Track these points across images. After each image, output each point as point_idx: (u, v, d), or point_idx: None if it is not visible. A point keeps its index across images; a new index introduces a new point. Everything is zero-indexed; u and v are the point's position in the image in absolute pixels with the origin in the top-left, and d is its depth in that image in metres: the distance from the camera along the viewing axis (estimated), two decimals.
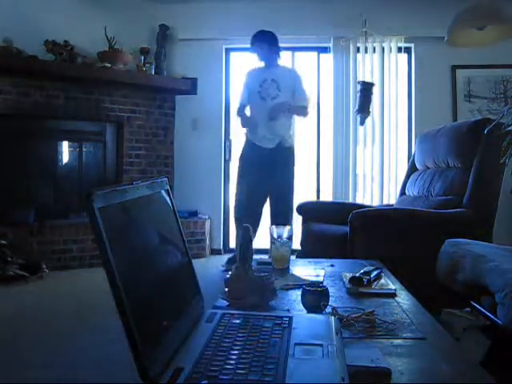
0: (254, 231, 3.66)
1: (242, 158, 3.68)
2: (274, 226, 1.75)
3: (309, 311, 1.14)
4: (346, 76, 4.46)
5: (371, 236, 2.49)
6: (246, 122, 3.63)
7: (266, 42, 3.59)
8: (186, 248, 1.03)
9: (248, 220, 3.52)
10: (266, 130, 3.53)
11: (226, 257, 3.91)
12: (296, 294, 1.31)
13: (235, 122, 3.82)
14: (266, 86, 3.57)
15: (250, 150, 3.63)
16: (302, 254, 3.13)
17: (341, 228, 2.78)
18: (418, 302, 1.27)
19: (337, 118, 4.46)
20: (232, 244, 4.54)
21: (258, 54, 3.63)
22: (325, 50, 4.53)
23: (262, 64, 3.68)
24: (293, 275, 1.56)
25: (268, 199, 3.65)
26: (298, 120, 4.06)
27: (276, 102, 3.53)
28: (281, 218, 3.46)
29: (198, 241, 4.30)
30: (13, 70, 3.63)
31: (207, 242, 4.40)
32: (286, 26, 4.36)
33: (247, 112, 3.68)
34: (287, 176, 3.62)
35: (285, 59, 4.64)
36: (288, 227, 1.74)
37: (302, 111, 3.65)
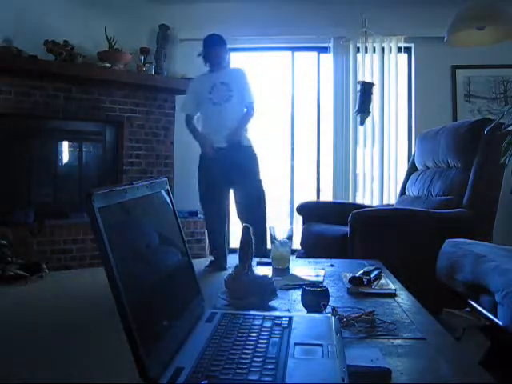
0: (224, 231, 3.68)
1: (202, 167, 3.62)
2: (273, 226, 1.75)
3: (309, 311, 1.14)
4: (346, 76, 4.46)
5: (371, 236, 2.49)
6: (201, 140, 3.57)
7: (218, 46, 3.54)
8: (186, 248, 1.03)
9: (215, 220, 3.58)
10: (221, 135, 3.46)
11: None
12: (296, 294, 1.31)
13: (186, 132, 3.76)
14: (215, 91, 3.51)
15: (206, 156, 3.56)
16: (302, 254, 3.13)
17: (341, 228, 2.78)
18: (418, 302, 1.26)
19: (337, 118, 4.46)
20: (232, 244, 4.53)
21: (208, 58, 3.57)
22: (325, 49, 4.53)
23: (205, 70, 3.64)
24: (293, 275, 1.56)
25: (234, 201, 3.63)
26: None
27: (231, 103, 3.47)
28: (247, 209, 3.44)
29: (197, 241, 4.30)
30: (13, 70, 3.63)
31: (207, 241, 4.40)
32: (286, 26, 4.37)
33: (196, 123, 3.66)
34: (250, 173, 3.52)
35: (284, 60, 4.66)
36: (288, 227, 1.74)
37: (250, 115, 3.57)
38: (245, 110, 3.58)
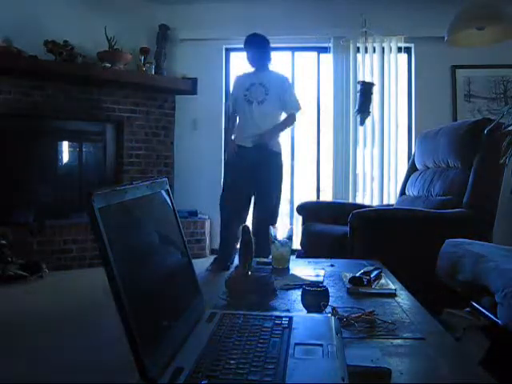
0: (238, 231, 3.65)
1: (227, 163, 3.66)
2: (273, 226, 1.75)
3: (309, 311, 1.14)
4: (346, 76, 4.46)
5: (371, 236, 2.49)
6: (227, 146, 3.64)
7: (259, 47, 3.54)
8: (186, 248, 1.03)
9: (233, 223, 3.51)
10: (251, 134, 3.45)
11: None
12: (296, 294, 1.31)
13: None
14: (253, 90, 3.51)
15: (234, 153, 3.56)
16: (302, 254, 3.13)
17: (341, 228, 2.78)
18: (418, 302, 1.27)
19: (337, 118, 4.46)
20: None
21: (249, 58, 3.58)
22: (325, 49, 4.53)
23: (251, 69, 3.63)
24: (293, 275, 1.56)
25: (252, 201, 3.59)
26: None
27: (263, 106, 3.46)
28: (262, 222, 3.31)
29: (197, 241, 4.30)
30: (13, 69, 3.63)
31: (207, 241, 4.40)
32: (286, 25, 4.36)
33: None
34: (272, 180, 3.50)
35: (284, 60, 4.66)
36: (288, 227, 1.74)
37: (290, 122, 3.59)
38: (282, 116, 3.57)
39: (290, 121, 3.59)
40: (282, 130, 3.57)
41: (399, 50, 4.43)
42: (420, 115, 4.42)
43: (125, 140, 4.26)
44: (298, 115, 3.62)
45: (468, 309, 1.77)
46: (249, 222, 3.54)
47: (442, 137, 3.06)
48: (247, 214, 3.59)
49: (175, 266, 0.98)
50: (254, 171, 3.43)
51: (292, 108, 3.56)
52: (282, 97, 3.53)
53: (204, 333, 0.86)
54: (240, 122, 3.61)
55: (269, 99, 3.49)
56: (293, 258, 1.76)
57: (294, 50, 4.65)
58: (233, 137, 3.64)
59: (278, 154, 3.54)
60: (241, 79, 3.67)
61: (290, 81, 3.68)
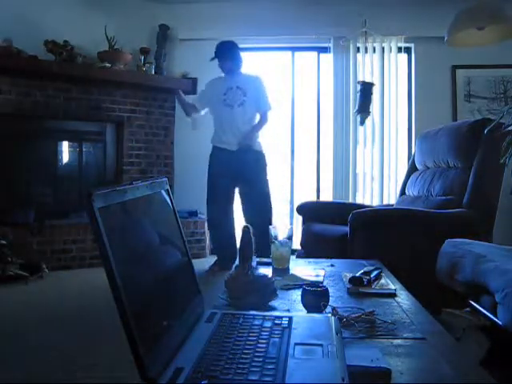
0: (233, 231, 3.69)
1: (210, 167, 3.67)
2: (273, 226, 1.75)
3: (309, 311, 1.14)
4: (346, 76, 4.46)
5: (371, 236, 2.49)
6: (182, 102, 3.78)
7: (229, 55, 3.60)
8: (186, 248, 1.03)
9: (221, 220, 3.60)
10: (233, 137, 3.54)
11: None
12: (296, 294, 1.31)
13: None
14: (231, 94, 3.58)
15: (217, 156, 3.63)
16: (302, 254, 3.13)
17: (341, 228, 2.78)
18: (418, 302, 1.27)
19: (337, 118, 4.46)
20: None
21: (222, 66, 3.64)
22: (325, 49, 4.53)
23: (222, 74, 3.69)
24: (293, 275, 1.56)
25: (241, 203, 3.65)
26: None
27: (244, 108, 3.54)
28: (257, 223, 3.40)
29: (197, 241, 4.30)
30: (13, 69, 3.63)
31: (207, 241, 4.40)
32: (285, 25, 4.36)
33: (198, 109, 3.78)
34: (259, 177, 3.58)
35: (284, 60, 4.66)
36: (288, 227, 1.74)
37: (264, 122, 3.64)
38: (258, 116, 3.65)
39: (263, 121, 3.66)
40: (258, 130, 3.65)
41: (399, 50, 4.43)
42: (420, 115, 4.42)
43: (125, 140, 4.26)
44: (269, 114, 3.68)
45: (468, 309, 1.77)
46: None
47: (442, 137, 3.06)
48: (233, 212, 3.70)
49: (175, 265, 0.98)
50: (240, 173, 3.52)
51: (264, 108, 3.64)
52: (257, 97, 3.61)
53: (204, 333, 0.86)
54: (219, 126, 3.66)
55: (248, 101, 3.58)
56: (293, 257, 1.76)
57: (294, 49, 4.65)
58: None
59: (261, 153, 3.64)
60: (214, 84, 3.73)
61: (263, 80, 3.70)
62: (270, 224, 3.43)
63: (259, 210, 3.52)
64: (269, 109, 3.66)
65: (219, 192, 3.59)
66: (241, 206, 3.67)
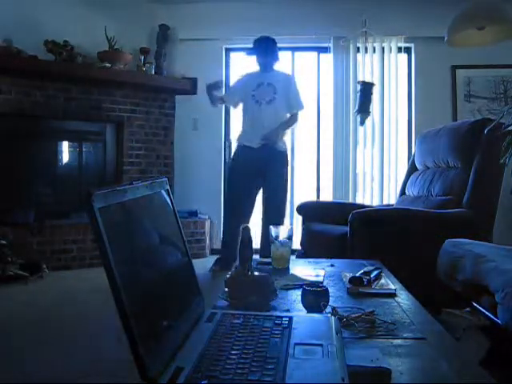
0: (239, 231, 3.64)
1: (233, 162, 3.67)
2: (273, 226, 1.75)
3: (309, 311, 1.14)
4: (346, 76, 4.46)
5: (371, 236, 2.49)
6: (211, 95, 3.57)
7: (269, 51, 3.57)
8: (186, 248, 1.03)
9: (238, 225, 3.53)
10: (257, 135, 3.46)
11: None
12: (296, 294, 1.31)
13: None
14: (261, 90, 3.54)
15: (240, 153, 3.60)
16: (302, 254, 3.13)
17: (341, 228, 2.78)
18: (418, 302, 1.26)
19: (337, 118, 4.46)
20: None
21: (259, 59, 3.61)
22: (325, 49, 4.53)
23: (257, 68, 3.66)
24: (293, 275, 1.56)
25: (262, 201, 3.61)
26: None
27: (272, 105, 3.50)
28: (273, 222, 3.37)
29: (197, 241, 4.30)
30: (13, 69, 3.63)
31: (207, 241, 4.40)
32: (286, 26, 4.36)
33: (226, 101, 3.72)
34: (279, 178, 3.55)
35: (284, 60, 4.66)
36: (288, 227, 1.74)
37: (293, 122, 3.63)
38: (288, 115, 3.61)
39: (293, 120, 3.63)
40: (286, 129, 3.62)
41: (399, 50, 4.43)
42: (420, 115, 4.42)
43: (125, 140, 4.26)
44: (300, 115, 3.66)
45: (468, 309, 1.77)
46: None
47: (442, 137, 3.06)
48: (251, 215, 3.62)
49: (175, 265, 0.98)
50: (262, 171, 3.48)
51: (296, 107, 3.61)
52: (288, 96, 3.56)
53: (204, 333, 0.86)
54: (246, 122, 3.62)
55: (277, 98, 3.52)
56: (293, 258, 1.76)
57: (294, 50, 4.65)
58: (236, 136, 3.68)
59: (284, 153, 3.59)
60: (246, 78, 3.69)
61: (296, 80, 3.70)
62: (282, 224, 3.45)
63: (275, 212, 3.48)
64: (301, 108, 3.63)
65: (239, 188, 3.52)
66: (262, 206, 3.61)
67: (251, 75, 3.68)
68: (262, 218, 3.58)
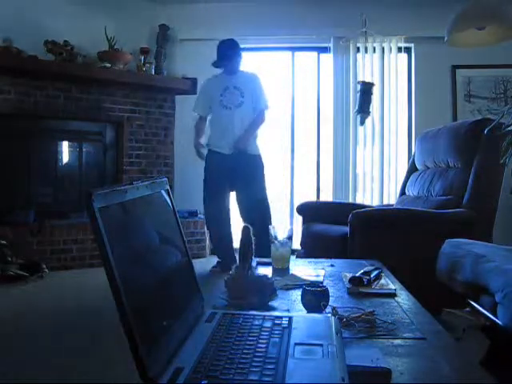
0: (231, 232, 3.62)
1: (206, 171, 3.58)
2: (273, 226, 1.75)
3: (309, 311, 1.14)
4: (346, 76, 4.46)
5: (371, 236, 2.49)
6: (195, 144, 3.60)
7: (229, 55, 3.50)
8: (186, 248, 1.03)
9: (220, 222, 3.53)
10: (230, 141, 3.43)
11: None
12: (296, 294, 1.31)
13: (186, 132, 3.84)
14: (228, 95, 3.47)
15: (212, 161, 3.54)
16: (302, 254, 3.13)
17: (341, 228, 2.78)
18: (418, 302, 1.27)
19: (337, 118, 4.46)
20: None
21: (223, 64, 3.53)
22: (325, 49, 4.53)
23: (218, 71, 3.60)
24: (293, 275, 1.56)
25: (238, 209, 3.57)
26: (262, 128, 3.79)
27: (241, 109, 3.45)
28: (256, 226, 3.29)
29: (197, 241, 4.30)
30: (13, 69, 3.63)
31: (207, 241, 4.40)
32: (286, 26, 4.36)
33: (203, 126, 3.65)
34: (257, 182, 3.50)
35: (284, 60, 4.66)
36: (288, 227, 1.74)
37: (260, 122, 3.54)
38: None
39: (260, 120, 3.55)
40: (255, 131, 3.54)
41: (399, 49, 4.43)
42: (420, 115, 4.42)
43: (125, 140, 4.26)
44: (267, 114, 3.59)
45: (468, 309, 1.77)
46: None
47: (442, 137, 3.06)
48: (229, 214, 3.61)
49: (175, 265, 0.98)
50: (235, 177, 3.44)
51: (260, 106, 3.54)
52: (254, 96, 3.51)
53: (204, 333, 0.86)
54: (215, 128, 3.55)
55: (245, 102, 3.48)
56: (293, 258, 1.76)
57: (294, 49, 4.66)
58: (201, 140, 3.64)
59: (257, 156, 3.54)
60: (212, 82, 3.63)
61: (261, 79, 3.62)
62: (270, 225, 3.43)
63: (256, 215, 3.39)
64: (265, 108, 3.56)
65: (216, 196, 3.51)
66: (238, 211, 3.58)
67: (215, 80, 3.61)
68: (244, 220, 3.52)
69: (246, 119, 3.50)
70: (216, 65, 3.56)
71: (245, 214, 3.54)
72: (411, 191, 3.30)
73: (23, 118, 3.90)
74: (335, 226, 2.94)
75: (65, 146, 4.31)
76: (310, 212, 3.41)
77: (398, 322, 1.08)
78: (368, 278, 1.42)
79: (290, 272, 1.63)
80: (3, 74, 3.65)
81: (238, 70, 3.59)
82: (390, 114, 4.45)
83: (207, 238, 4.40)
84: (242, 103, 3.48)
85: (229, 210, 3.62)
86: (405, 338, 0.98)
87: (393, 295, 1.33)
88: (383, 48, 4.43)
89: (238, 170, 3.43)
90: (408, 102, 4.56)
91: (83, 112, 4.06)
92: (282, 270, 1.65)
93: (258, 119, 3.54)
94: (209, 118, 3.63)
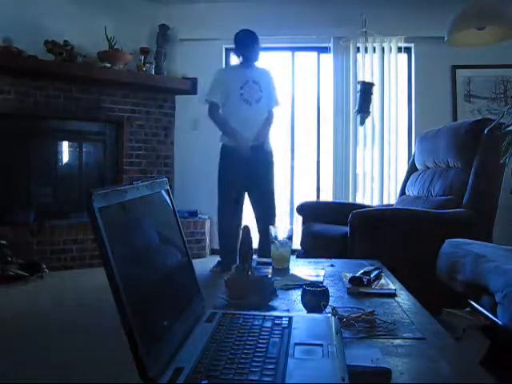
0: (238, 233, 3.56)
1: (222, 168, 3.55)
2: (272, 226, 1.75)
3: (309, 311, 1.14)
4: (346, 76, 4.46)
5: (371, 236, 2.49)
6: (234, 133, 3.41)
7: (256, 44, 3.48)
8: (186, 248, 1.03)
9: (231, 221, 3.52)
10: (249, 135, 3.40)
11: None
12: (296, 294, 1.31)
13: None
14: (248, 89, 3.44)
15: (228, 155, 3.50)
16: (302, 254, 3.13)
17: (341, 228, 2.78)
18: (418, 302, 1.26)
19: (337, 118, 4.46)
20: None
21: (245, 53, 3.47)
22: (325, 49, 4.53)
23: (235, 63, 3.57)
24: (293, 275, 1.56)
25: (250, 202, 3.58)
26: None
27: (260, 104, 3.45)
28: (267, 221, 3.30)
29: (197, 241, 4.30)
30: (13, 69, 3.63)
31: (207, 241, 4.40)
32: (286, 26, 4.37)
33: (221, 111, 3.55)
34: (269, 179, 3.54)
35: (284, 60, 4.66)
36: (288, 227, 1.74)
37: (272, 119, 3.56)
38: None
39: (272, 118, 3.58)
40: (271, 126, 3.57)
41: (399, 49, 4.43)
42: (420, 115, 4.42)
43: (125, 140, 4.26)
44: (277, 110, 3.62)
45: (468, 309, 1.77)
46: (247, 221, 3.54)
47: (442, 137, 3.06)
48: (242, 216, 3.61)
49: (175, 266, 0.98)
50: (251, 172, 3.42)
51: (275, 103, 3.57)
52: (270, 92, 3.52)
53: (204, 333, 0.86)
54: (234, 119, 3.45)
55: (263, 96, 3.48)
56: (293, 258, 1.76)
57: (294, 50, 4.66)
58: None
59: (271, 153, 3.58)
60: (230, 73, 3.60)
61: (272, 75, 3.64)
62: (274, 223, 3.44)
63: (267, 210, 3.48)
64: (277, 104, 3.59)
65: (232, 195, 3.49)
66: (251, 206, 3.58)
67: (233, 71, 3.58)
68: (257, 219, 3.55)
69: (264, 114, 3.51)
70: (238, 53, 3.54)
71: (256, 210, 3.55)
72: (411, 191, 3.30)
73: (23, 118, 3.90)
74: (335, 226, 2.94)
75: (65, 146, 4.31)
76: (310, 212, 3.41)
77: (398, 322, 1.08)
78: (368, 277, 1.42)
79: (290, 272, 1.63)
80: (3, 73, 3.65)
81: (254, 64, 3.55)
82: (390, 114, 4.45)
83: (207, 238, 4.40)
84: (260, 98, 3.47)
85: (242, 206, 3.59)
86: (405, 338, 0.98)
87: (393, 295, 1.33)
88: (383, 48, 4.43)
89: (254, 165, 3.40)
90: (408, 102, 4.56)
91: (83, 112, 4.06)
92: (281, 270, 1.65)
93: (270, 117, 3.56)
94: (224, 109, 3.53)
